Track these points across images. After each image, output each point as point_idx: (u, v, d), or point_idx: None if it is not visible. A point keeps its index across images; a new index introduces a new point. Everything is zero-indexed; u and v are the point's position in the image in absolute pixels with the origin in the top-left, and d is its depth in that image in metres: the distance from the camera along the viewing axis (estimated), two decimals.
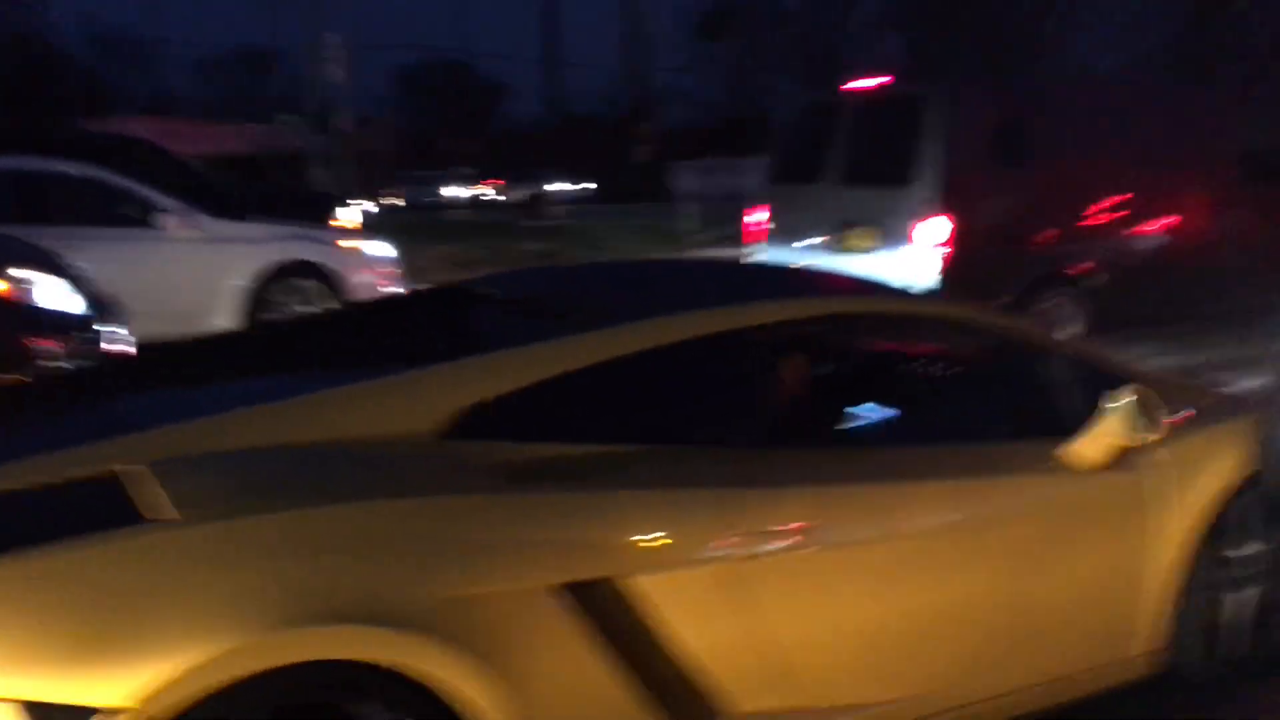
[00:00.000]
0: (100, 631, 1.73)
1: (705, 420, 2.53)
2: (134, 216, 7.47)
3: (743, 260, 8.16)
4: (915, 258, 6.99)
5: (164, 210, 7.52)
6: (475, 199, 38.16)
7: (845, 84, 8.11)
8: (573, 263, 16.39)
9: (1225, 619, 2.98)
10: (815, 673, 2.36)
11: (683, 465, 2.33)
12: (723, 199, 32.70)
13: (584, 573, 2.07)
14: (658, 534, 2.17)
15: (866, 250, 7.33)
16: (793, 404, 2.82)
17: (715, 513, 2.24)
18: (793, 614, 2.31)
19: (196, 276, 7.51)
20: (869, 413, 3.15)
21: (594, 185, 38.79)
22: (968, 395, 3.21)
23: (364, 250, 8.33)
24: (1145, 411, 2.60)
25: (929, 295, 5.22)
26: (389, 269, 8.38)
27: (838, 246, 7.52)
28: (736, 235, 15.07)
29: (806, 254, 7.69)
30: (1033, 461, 2.71)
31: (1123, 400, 2.60)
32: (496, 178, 38.83)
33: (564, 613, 2.04)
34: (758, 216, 8.42)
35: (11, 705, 1.68)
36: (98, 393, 2.93)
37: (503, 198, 37.76)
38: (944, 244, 6.91)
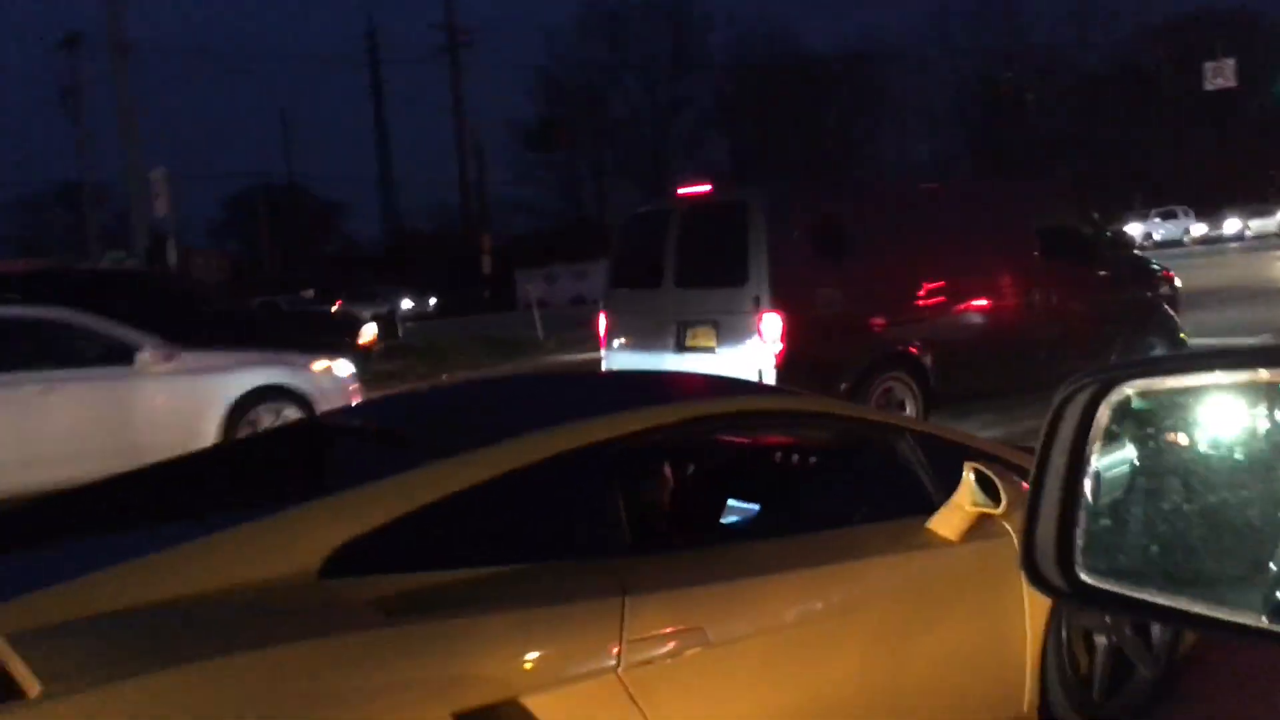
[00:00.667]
0: None
1: (575, 534, 2.56)
2: (112, 354, 7.57)
3: (594, 367, 8.20)
4: (752, 353, 7.23)
5: (139, 347, 7.59)
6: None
7: (677, 190, 8.43)
8: (423, 381, 16.23)
9: (1086, 672, 3.13)
10: None
11: (558, 581, 2.34)
12: (568, 303, 33.06)
13: (473, 700, 2.05)
14: (540, 652, 2.18)
15: (706, 349, 7.55)
16: (659, 509, 2.89)
17: (595, 625, 2.25)
18: (692, 714, 2.34)
19: (176, 407, 7.67)
20: (735, 510, 3.26)
21: (434, 300, 38.59)
22: (829, 482, 3.32)
23: (334, 370, 8.62)
24: (987, 484, 2.72)
25: (781, 389, 5.34)
26: (353, 386, 8.66)
27: (678, 348, 7.73)
28: (583, 340, 15.26)
29: (648, 357, 7.87)
30: (896, 540, 2.84)
31: (967, 475, 2.74)
32: (336, 299, 38.23)
33: None
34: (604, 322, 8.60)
35: None
36: None
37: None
38: (779, 338, 7.19)
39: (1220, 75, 22.97)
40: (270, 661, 1.94)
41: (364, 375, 15.92)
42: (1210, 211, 41.16)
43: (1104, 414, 0.93)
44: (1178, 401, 0.91)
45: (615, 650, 2.23)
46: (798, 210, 7.77)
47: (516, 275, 35.00)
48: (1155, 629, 3.26)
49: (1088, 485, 0.94)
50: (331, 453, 3.21)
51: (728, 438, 3.35)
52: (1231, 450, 0.87)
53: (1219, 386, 0.87)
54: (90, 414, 7.27)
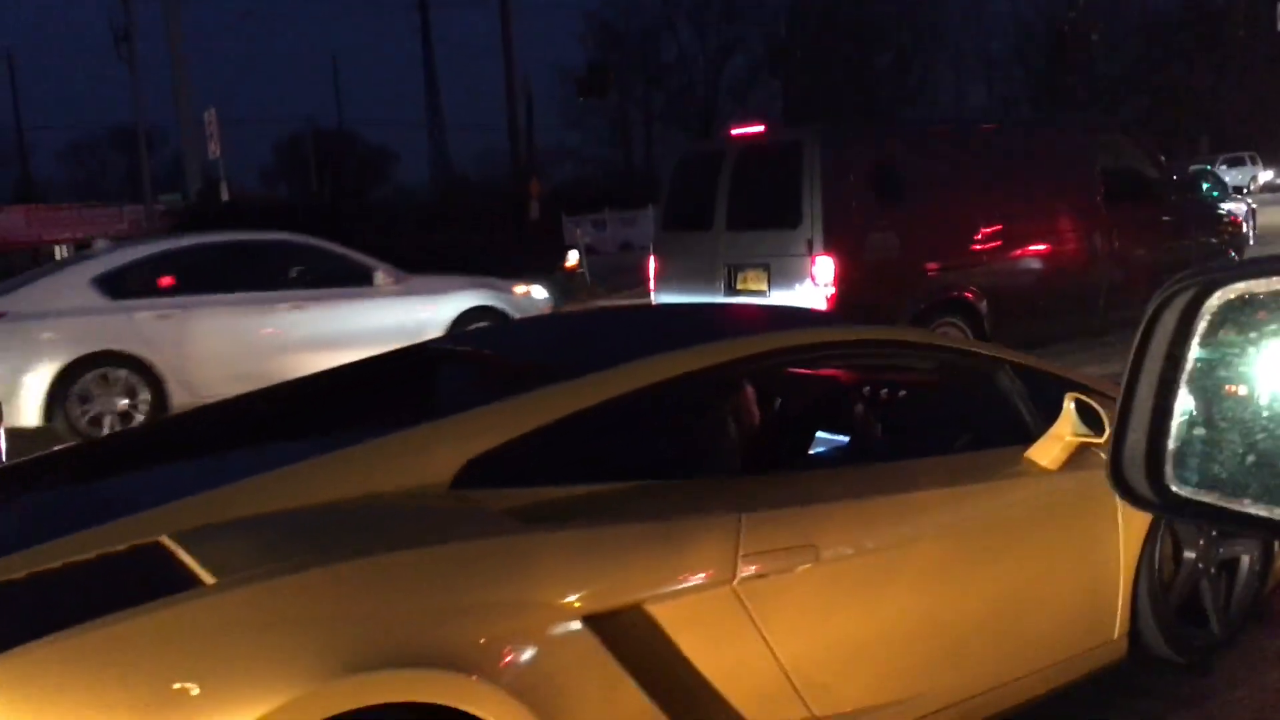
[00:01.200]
0: (180, 691, 1.80)
1: (691, 454, 2.70)
2: (353, 277, 8.69)
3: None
4: (804, 297, 7.16)
5: (375, 270, 8.74)
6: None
7: (730, 130, 8.32)
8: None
9: (1181, 601, 3.21)
10: (820, 683, 2.47)
11: (678, 497, 2.47)
12: (616, 249, 32.92)
13: (602, 604, 2.17)
14: (664, 563, 2.30)
15: (757, 293, 7.49)
16: (764, 433, 2.97)
17: (714, 539, 2.36)
18: (794, 629, 2.43)
19: (404, 324, 8.46)
20: (841, 436, 3.39)
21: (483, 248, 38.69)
22: (931, 412, 3.43)
23: (533, 294, 9.76)
24: (1088, 414, 2.79)
25: (884, 324, 5.31)
26: (548, 308, 9.83)
27: (728, 291, 7.67)
28: (631, 285, 15.22)
29: (696, 300, 7.83)
30: (996, 468, 2.91)
31: (1068, 405, 2.81)
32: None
33: (587, 642, 2.13)
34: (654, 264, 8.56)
35: None
36: (119, 465, 2.98)
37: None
38: (831, 282, 7.10)
39: None
40: (418, 560, 2.08)
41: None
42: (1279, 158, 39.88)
43: (1204, 317, 0.89)
44: None
45: (732, 564, 2.34)
46: (853, 151, 7.63)
47: (564, 221, 34.94)
48: (1244, 560, 3.34)
49: (1182, 393, 0.90)
50: (450, 375, 3.37)
51: (836, 368, 3.44)
52: None
53: None
54: (334, 328, 8.30)
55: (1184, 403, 0.91)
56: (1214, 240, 9.21)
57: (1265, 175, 39.53)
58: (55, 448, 3.24)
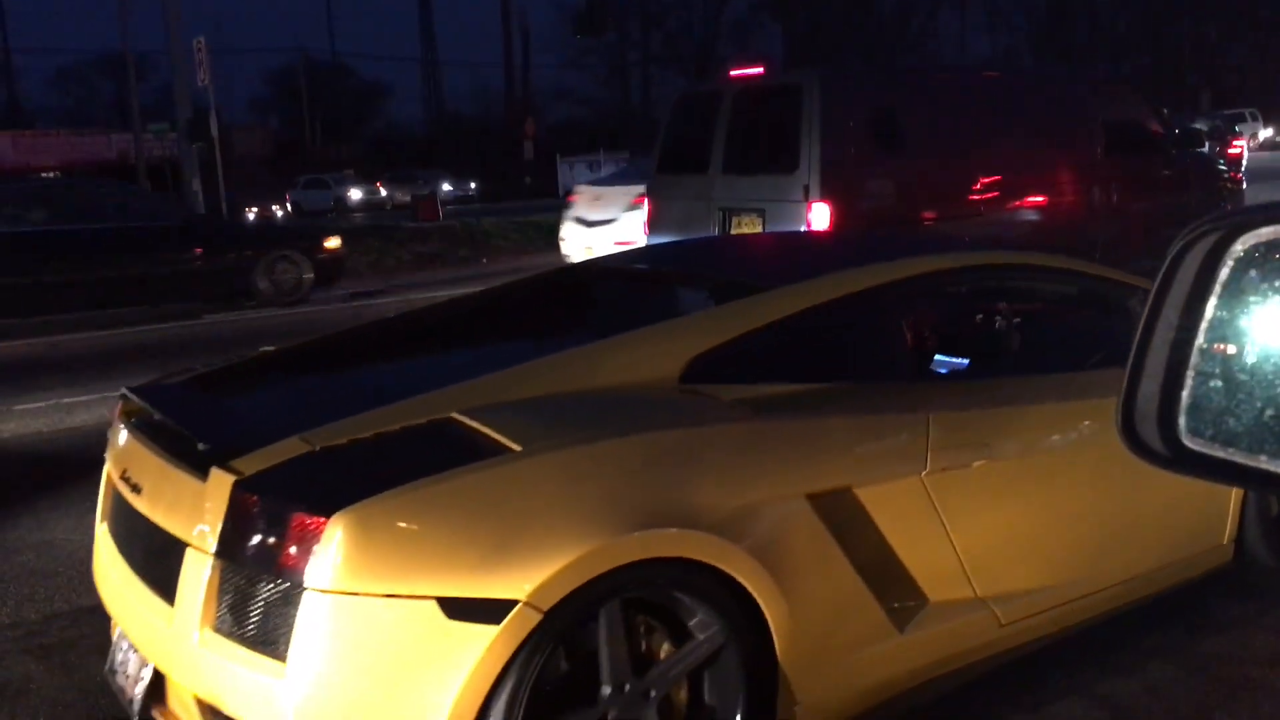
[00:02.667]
0: (498, 541, 2.08)
1: (879, 359, 3.00)
2: None
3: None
4: None
5: None
6: (367, 202, 37.34)
7: (728, 72, 8.16)
8: (464, 265, 16.17)
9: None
10: (985, 568, 2.78)
11: (875, 397, 2.77)
12: None
13: (819, 486, 2.49)
14: (869, 453, 2.61)
15: None
16: (937, 345, 3.28)
17: (908, 435, 2.67)
18: (968, 519, 2.73)
19: None
20: (1001, 350, 3.63)
21: (474, 185, 38.29)
22: (1075, 331, 3.65)
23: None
24: None
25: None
26: None
27: (723, 235, 7.59)
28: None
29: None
30: None
31: None
32: (377, 180, 37.98)
33: (809, 518, 2.45)
34: (647, 207, 8.45)
35: (430, 602, 2.02)
36: (393, 350, 3.44)
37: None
38: (828, 229, 7.02)
39: None
40: (683, 438, 2.39)
41: (402, 258, 16.02)
42: (1279, 116, 39.59)
43: (1227, 264, 0.85)
44: None
45: (923, 457, 2.66)
46: (854, 97, 7.49)
47: (559, 162, 34.59)
48: None
49: (1200, 342, 0.86)
50: (639, 289, 3.72)
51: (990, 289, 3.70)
52: None
53: None
54: None
55: (1201, 353, 0.86)
56: (1214, 197, 9.13)
57: (1265, 132, 39.28)
58: (319, 335, 3.65)
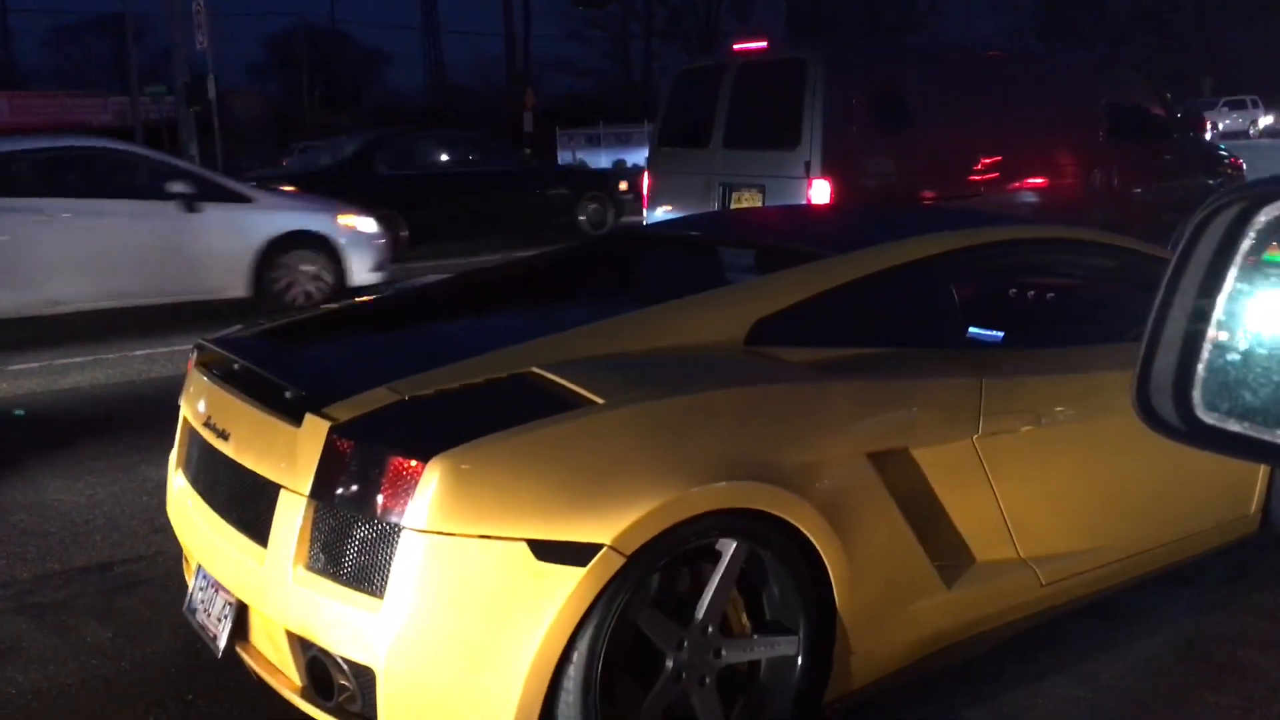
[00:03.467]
0: (584, 488, 2.18)
1: (934, 326, 3.05)
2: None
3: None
4: None
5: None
6: None
7: (731, 46, 8.10)
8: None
9: None
10: (1029, 529, 2.87)
11: (932, 363, 2.84)
12: (610, 165, 32.50)
13: (877, 445, 2.58)
14: (927, 415, 2.70)
15: None
16: (983, 314, 3.38)
17: (963, 399, 2.75)
18: (1014, 482, 2.82)
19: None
20: (1042, 322, 3.78)
21: (473, 158, 37.95)
22: (1113, 304, 3.69)
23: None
24: None
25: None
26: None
27: (723, 209, 7.56)
28: (623, 202, 15.07)
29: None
30: None
31: None
32: None
33: (869, 475, 2.54)
34: (647, 181, 8.41)
35: (521, 544, 2.11)
36: (462, 310, 3.58)
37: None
38: (829, 204, 6.99)
39: None
40: (756, 395, 2.48)
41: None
42: None
43: (1249, 235, 0.83)
44: None
45: (975, 421, 2.75)
46: (857, 74, 7.44)
47: (558, 134, 34.40)
48: None
49: (1218, 315, 0.85)
50: (700, 255, 3.81)
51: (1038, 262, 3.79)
52: None
53: None
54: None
55: (1220, 326, 0.85)
56: (1213, 182, 9.10)
57: (1266, 119, 39.15)
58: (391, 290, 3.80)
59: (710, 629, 2.39)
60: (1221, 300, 0.85)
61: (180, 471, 2.91)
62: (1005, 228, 3.52)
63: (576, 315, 2.92)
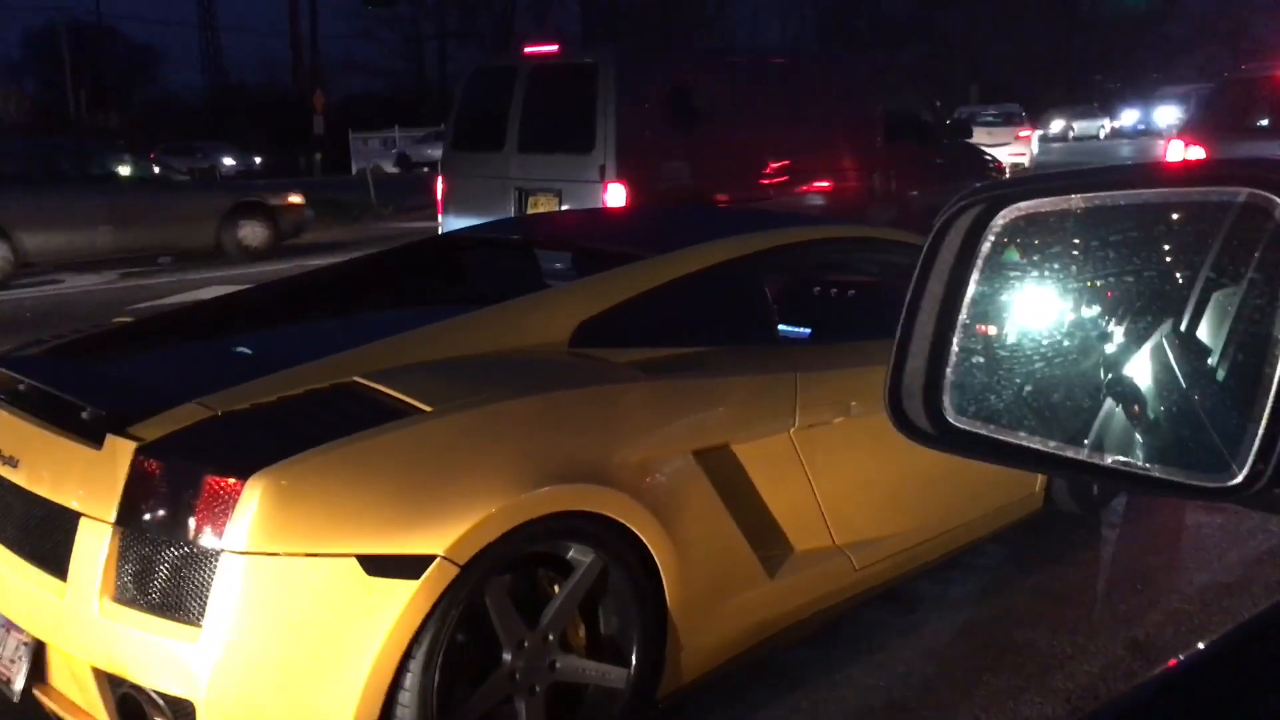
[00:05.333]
0: (415, 499, 2.14)
1: (748, 324, 3.13)
2: None
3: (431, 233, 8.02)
4: None
5: None
6: (140, 177, 34.71)
7: (523, 48, 8.03)
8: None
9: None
10: (843, 517, 2.97)
11: (748, 360, 2.91)
12: (404, 170, 31.72)
13: (701, 443, 2.63)
14: (745, 411, 2.76)
15: None
16: (790, 311, 3.50)
17: (779, 394, 2.83)
18: (828, 472, 2.91)
19: None
20: (845, 318, 3.88)
21: (259, 159, 36.23)
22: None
23: None
24: None
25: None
26: None
27: (518, 214, 7.48)
28: (421, 207, 14.67)
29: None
30: None
31: None
32: (149, 153, 35.42)
33: (695, 472, 2.58)
34: (441, 185, 8.22)
35: (350, 559, 2.06)
36: (281, 318, 3.44)
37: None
38: (624, 208, 7.03)
39: None
40: (584, 398, 2.50)
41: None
42: (1040, 110, 42.75)
43: (988, 238, 0.84)
44: (1070, 225, 0.82)
45: (791, 415, 2.83)
46: (649, 76, 7.52)
47: (351, 137, 33.34)
48: None
49: (963, 318, 0.85)
50: (521, 257, 3.77)
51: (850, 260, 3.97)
52: (1123, 276, 0.80)
53: (1118, 207, 0.78)
54: None
55: (964, 329, 0.85)
56: (980, 183, 9.72)
57: (1025, 130, 42.32)
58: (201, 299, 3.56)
59: (551, 637, 2.37)
60: (965, 303, 0.85)
61: None
62: (813, 227, 3.65)
63: (397, 321, 2.94)
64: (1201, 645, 0.70)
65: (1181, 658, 0.67)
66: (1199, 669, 0.67)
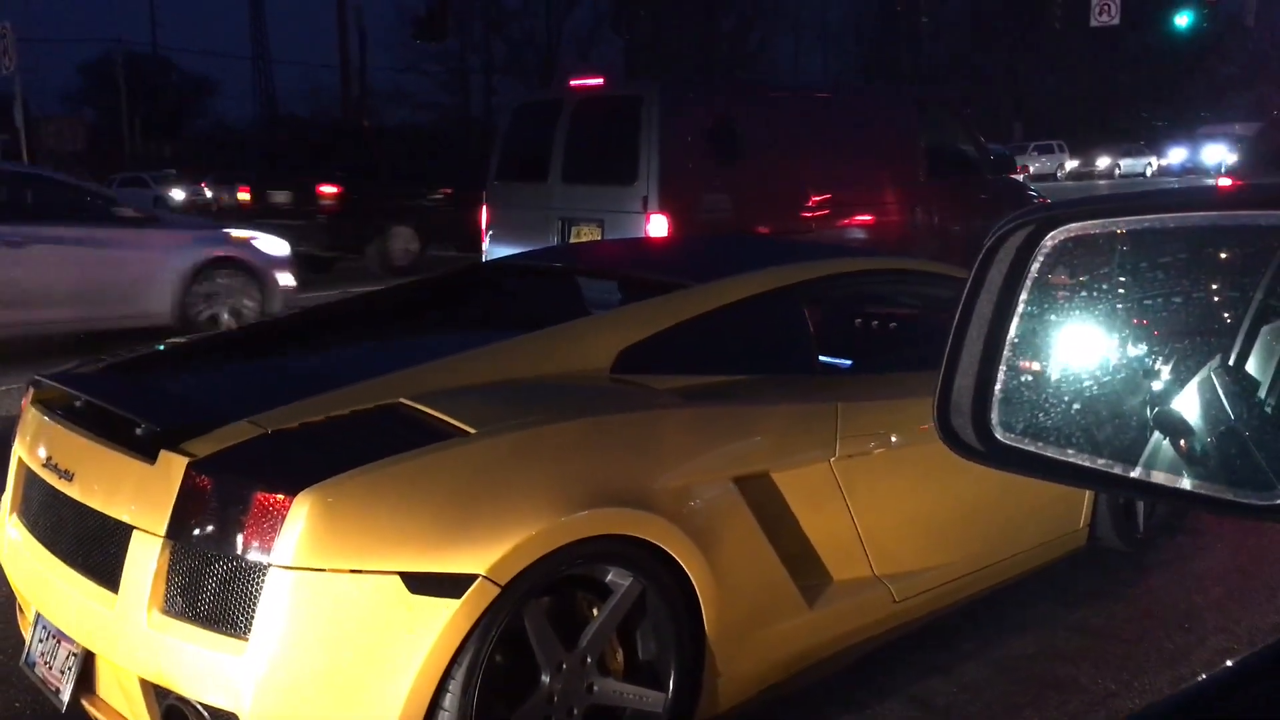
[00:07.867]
0: (458, 519, 2.17)
1: (791, 353, 3.15)
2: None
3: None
4: None
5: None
6: (192, 203, 35.36)
7: (569, 81, 8.14)
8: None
9: (1126, 503, 3.81)
10: (882, 548, 2.95)
11: (790, 388, 2.94)
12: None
13: (741, 470, 2.63)
14: (786, 440, 2.77)
15: None
16: (831, 342, 3.50)
17: (820, 423, 2.83)
18: (869, 501, 2.90)
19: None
20: (886, 349, 3.96)
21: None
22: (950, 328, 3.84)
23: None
24: None
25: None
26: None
27: (563, 243, 7.55)
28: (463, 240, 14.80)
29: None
30: None
31: None
32: (202, 180, 36.11)
33: (735, 500, 2.59)
34: (485, 214, 8.34)
35: (394, 577, 2.09)
36: (330, 339, 3.52)
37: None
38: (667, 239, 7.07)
39: (1105, 12, 23.43)
40: (627, 422, 2.53)
41: None
42: (1085, 148, 42.47)
43: (1038, 258, 0.85)
44: (1120, 247, 0.84)
45: (832, 444, 2.83)
46: (693, 110, 7.60)
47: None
48: None
49: (1011, 336, 0.86)
50: (563, 285, 3.84)
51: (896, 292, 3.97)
52: (1171, 299, 0.81)
53: (1167, 230, 0.80)
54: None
55: (1013, 348, 0.87)
56: None
57: (1071, 164, 42.06)
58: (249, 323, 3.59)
59: (589, 660, 2.37)
60: (1013, 323, 0.86)
61: (15, 517, 2.72)
62: (854, 259, 3.66)
63: (442, 345, 2.93)
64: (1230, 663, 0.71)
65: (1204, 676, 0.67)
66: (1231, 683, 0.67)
